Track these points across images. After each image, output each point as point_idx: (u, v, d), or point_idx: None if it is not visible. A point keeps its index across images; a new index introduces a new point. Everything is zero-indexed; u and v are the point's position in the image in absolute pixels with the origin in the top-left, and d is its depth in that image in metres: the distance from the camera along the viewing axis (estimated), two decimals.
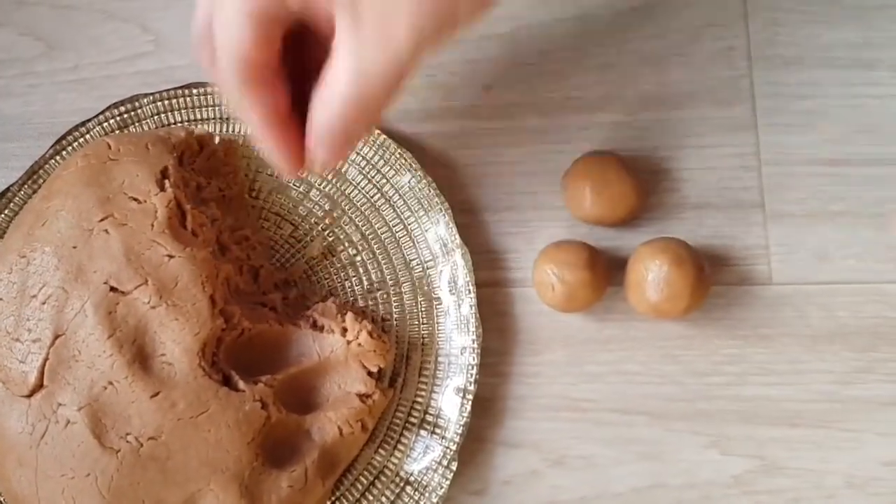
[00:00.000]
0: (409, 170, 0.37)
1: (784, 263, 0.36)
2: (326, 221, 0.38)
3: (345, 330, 0.34)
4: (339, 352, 0.34)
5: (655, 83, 0.39)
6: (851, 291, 0.36)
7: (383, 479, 0.35)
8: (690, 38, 0.39)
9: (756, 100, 0.38)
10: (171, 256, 0.32)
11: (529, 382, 0.36)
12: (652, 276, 0.34)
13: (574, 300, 0.35)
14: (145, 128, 0.39)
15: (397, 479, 0.35)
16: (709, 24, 0.39)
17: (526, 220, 0.38)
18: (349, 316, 0.34)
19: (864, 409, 0.35)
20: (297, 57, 0.28)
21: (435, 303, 0.36)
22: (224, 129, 0.39)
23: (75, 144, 0.39)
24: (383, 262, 0.37)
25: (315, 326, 0.34)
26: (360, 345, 0.33)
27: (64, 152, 0.39)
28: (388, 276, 0.37)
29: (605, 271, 0.35)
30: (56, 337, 0.31)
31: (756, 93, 0.38)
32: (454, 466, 0.34)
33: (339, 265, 0.37)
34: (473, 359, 0.35)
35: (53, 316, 0.31)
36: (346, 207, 0.38)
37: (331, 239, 0.38)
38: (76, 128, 0.39)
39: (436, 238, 0.37)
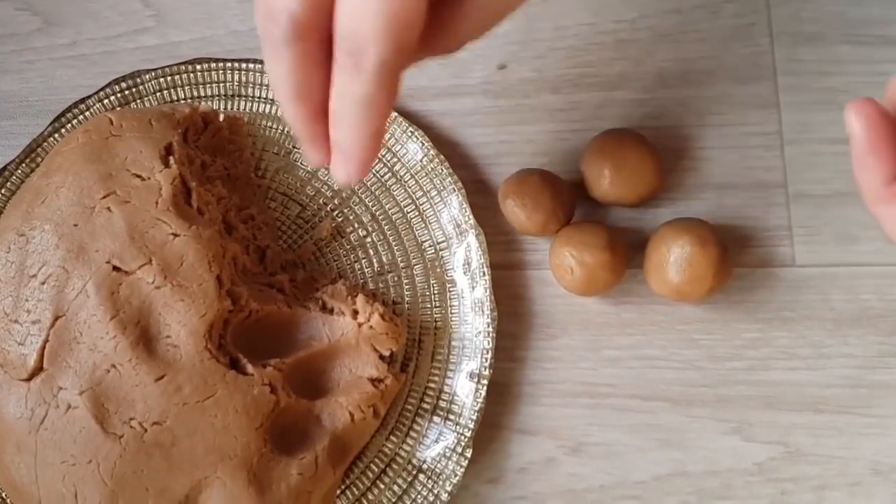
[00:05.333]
0: (420, 148, 0.36)
1: (807, 245, 0.35)
2: (335, 202, 0.37)
3: (356, 312, 0.33)
4: (349, 335, 0.32)
5: (674, 60, 0.38)
6: (877, 273, 0.35)
7: (395, 466, 0.33)
8: (710, 13, 0.38)
9: (778, 77, 0.37)
10: (176, 235, 0.31)
11: (546, 367, 0.35)
12: (674, 257, 0.32)
13: (593, 283, 0.34)
14: (147, 105, 0.38)
15: (409, 467, 0.33)
16: None
17: None
18: (360, 298, 0.33)
19: (889, 394, 0.34)
20: None
21: (448, 285, 0.35)
22: (229, 107, 0.38)
23: (74, 122, 0.38)
24: (394, 243, 0.36)
25: (325, 309, 0.33)
26: (371, 328, 0.32)
27: (63, 130, 0.38)
28: (400, 258, 0.36)
29: (625, 253, 0.34)
30: (56, 318, 0.30)
31: (778, 70, 0.37)
32: (468, 453, 0.33)
33: (348, 247, 0.36)
34: (488, 343, 0.34)
35: (53, 296, 0.30)
36: (356, 187, 0.37)
37: (340, 220, 0.37)
38: (75, 105, 0.38)
39: (449, 219, 0.36)
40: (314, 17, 0.23)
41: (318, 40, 0.23)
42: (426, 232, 0.36)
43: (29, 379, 0.30)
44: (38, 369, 0.30)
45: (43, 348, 0.30)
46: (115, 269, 0.30)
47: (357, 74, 0.23)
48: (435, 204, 0.36)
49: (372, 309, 0.32)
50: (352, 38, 0.22)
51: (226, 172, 0.36)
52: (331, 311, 0.33)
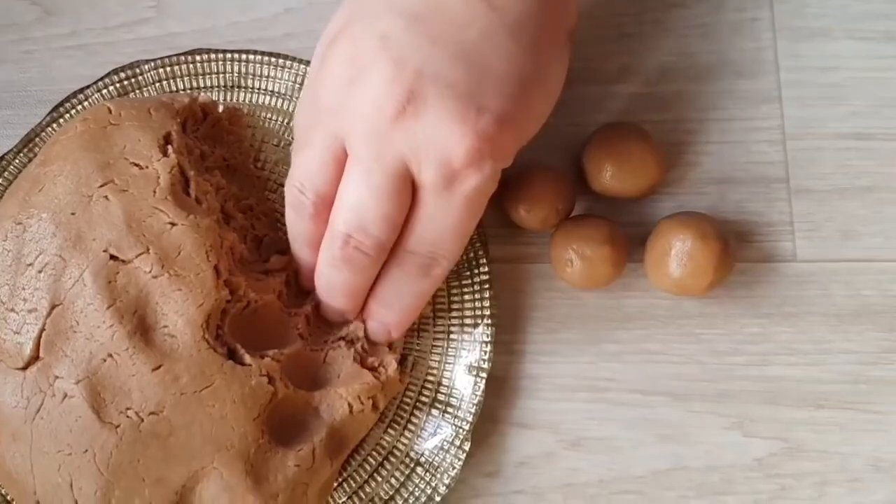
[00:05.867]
0: None
1: (809, 240, 0.35)
2: None
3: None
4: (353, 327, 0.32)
5: (676, 54, 0.38)
6: (878, 269, 0.35)
7: (393, 458, 0.33)
8: (713, 8, 0.38)
9: (780, 72, 0.37)
10: (173, 224, 0.30)
11: (545, 361, 0.35)
12: (675, 250, 0.32)
13: (592, 276, 0.33)
14: (146, 95, 0.38)
15: (407, 460, 0.33)
16: None
17: None
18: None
19: (890, 390, 0.34)
20: None
21: (447, 278, 0.35)
22: (228, 98, 0.38)
23: (73, 112, 0.37)
24: None
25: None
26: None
27: (61, 119, 0.37)
28: None
29: (625, 247, 0.34)
30: (53, 307, 0.30)
31: (780, 65, 0.37)
32: (467, 447, 0.33)
33: None
34: (487, 336, 0.34)
35: (50, 285, 0.30)
36: None
37: None
38: (74, 95, 0.37)
39: None
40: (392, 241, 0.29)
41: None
42: None
43: (25, 368, 0.30)
44: (35, 358, 0.29)
45: (39, 337, 0.29)
46: (113, 257, 0.30)
47: (424, 279, 0.30)
48: None
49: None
50: (430, 253, 0.29)
51: (225, 163, 0.36)
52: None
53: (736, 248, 0.35)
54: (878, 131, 0.36)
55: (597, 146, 0.35)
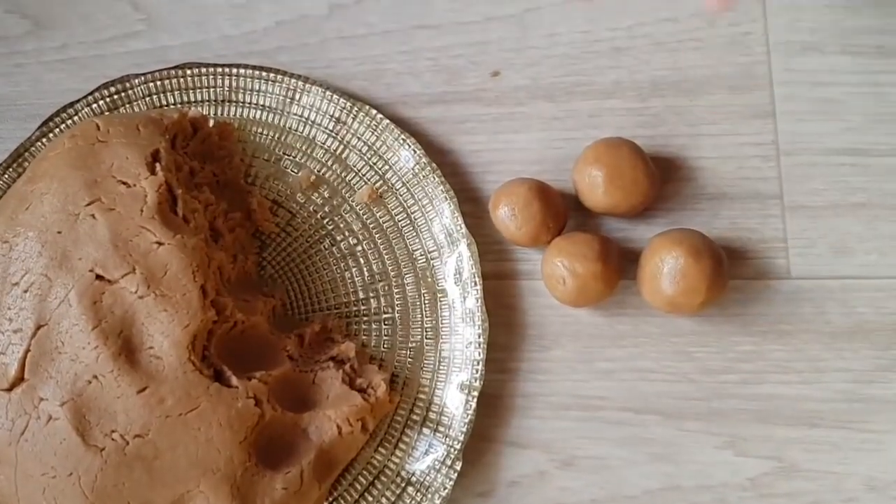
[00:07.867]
0: (412, 156, 0.36)
1: (803, 257, 0.35)
2: (326, 209, 0.36)
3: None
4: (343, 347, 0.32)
5: (669, 69, 0.37)
6: (873, 286, 0.34)
7: (383, 479, 0.33)
8: (706, 22, 0.38)
9: (774, 87, 0.37)
10: (160, 243, 0.30)
11: (538, 379, 0.34)
12: (668, 268, 0.32)
13: (585, 293, 0.33)
14: (136, 109, 0.38)
15: (398, 480, 0.33)
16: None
17: None
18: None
19: (885, 408, 0.33)
20: None
21: (439, 295, 0.35)
22: (219, 112, 0.37)
23: (63, 126, 0.37)
24: (385, 252, 0.36)
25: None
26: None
27: (51, 134, 0.37)
28: (391, 267, 0.35)
29: (618, 264, 0.34)
30: (38, 327, 0.29)
31: (774, 80, 0.37)
32: (458, 466, 0.32)
33: (339, 255, 0.36)
34: (479, 354, 0.33)
35: (36, 305, 0.29)
36: (347, 195, 0.36)
37: (330, 227, 0.36)
38: (64, 109, 0.37)
39: (440, 228, 0.35)
40: None
41: None
42: (417, 241, 0.35)
43: (9, 389, 0.29)
44: (20, 379, 0.29)
45: (24, 358, 0.29)
46: (99, 277, 0.30)
47: None
48: (426, 212, 0.35)
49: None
50: None
51: (215, 179, 0.36)
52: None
53: (729, 266, 0.34)
54: (872, 147, 0.36)
55: (589, 162, 0.35)
